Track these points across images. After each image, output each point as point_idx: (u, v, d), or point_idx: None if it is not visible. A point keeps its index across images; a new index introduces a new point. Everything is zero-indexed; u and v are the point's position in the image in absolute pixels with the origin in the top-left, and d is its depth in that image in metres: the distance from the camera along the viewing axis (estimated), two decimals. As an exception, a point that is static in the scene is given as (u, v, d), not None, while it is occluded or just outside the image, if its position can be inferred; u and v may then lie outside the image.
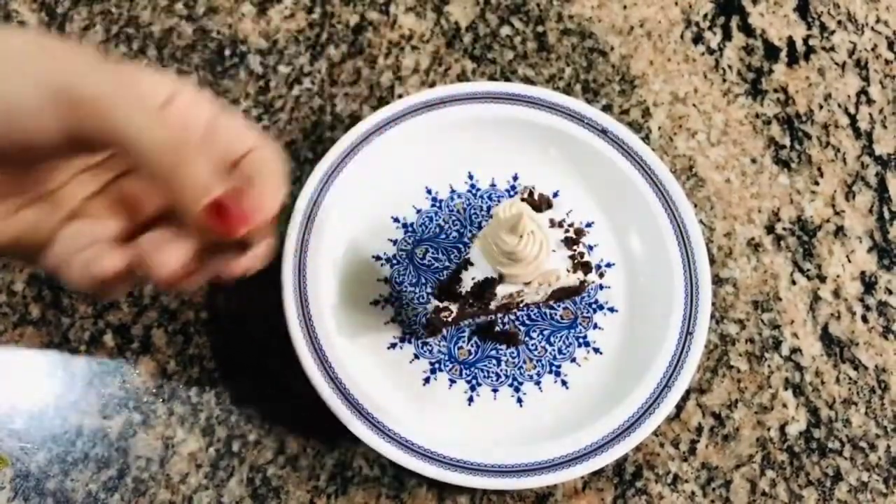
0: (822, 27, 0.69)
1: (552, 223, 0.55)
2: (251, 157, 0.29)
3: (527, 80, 0.65)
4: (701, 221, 0.61)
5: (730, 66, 0.67)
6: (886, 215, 0.63)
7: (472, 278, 0.52)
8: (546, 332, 0.57)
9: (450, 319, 0.54)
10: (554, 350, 0.56)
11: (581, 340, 0.57)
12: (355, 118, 0.63)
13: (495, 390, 0.55)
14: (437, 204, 0.60)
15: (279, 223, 0.35)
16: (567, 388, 0.55)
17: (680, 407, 0.56)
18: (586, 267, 0.54)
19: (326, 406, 0.52)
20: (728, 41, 0.68)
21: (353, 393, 0.52)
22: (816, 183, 0.63)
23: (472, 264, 0.53)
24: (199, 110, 0.29)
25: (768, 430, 0.56)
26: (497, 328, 0.57)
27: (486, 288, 0.52)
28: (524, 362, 0.56)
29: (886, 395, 0.58)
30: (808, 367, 0.58)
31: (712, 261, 0.60)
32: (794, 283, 0.60)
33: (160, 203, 0.29)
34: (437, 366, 0.55)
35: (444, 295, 0.53)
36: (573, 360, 0.56)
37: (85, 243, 0.27)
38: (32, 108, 0.24)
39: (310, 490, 0.53)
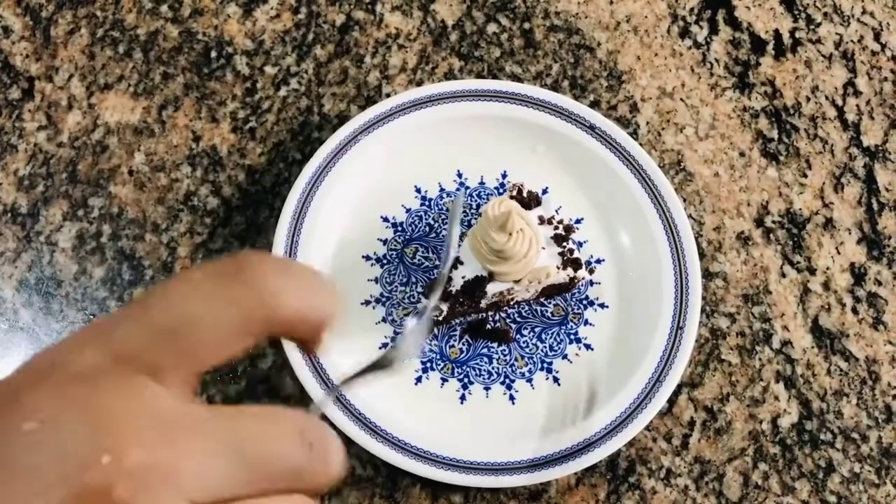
0: (809, 19, 0.69)
1: (541, 220, 0.55)
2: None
3: (514, 78, 0.65)
4: (690, 216, 0.61)
5: (717, 60, 0.67)
6: (875, 206, 0.63)
7: (463, 277, 0.52)
8: (537, 330, 0.57)
9: (440, 318, 0.54)
10: (545, 347, 0.56)
11: (572, 337, 0.57)
12: (343, 118, 0.62)
13: (487, 388, 0.55)
14: (427, 203, 0.60)
15: None
16: (559, 384, 0.55)
17: (672, 401, 0.56)
18: (576, 263, 0.54)
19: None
20: (715, 35, 0.68)
21: (344, 394, 0.52)
22: (805, 175, 0.64)
23: (461, 263, 0.53)
24: None
25: (760, 422, 0.56)
26: (488, 326, 0.57)
27: (476, 286, 0.52)
28: (516, 360, 0.56)
29: (877, 386, 0.58)
30: (800, 360, 0.58)
31: (702, 255, 0.60)
32: (783, 275, 0.60)
33: None
34: (428, 365, 0.55)
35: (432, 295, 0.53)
36: (564, 356, 0.56)
37: None
38: None
39: (303, 491, 0.53)
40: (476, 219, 0.59)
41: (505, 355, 0.56)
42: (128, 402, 0.21)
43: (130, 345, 0.22)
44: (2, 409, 0.21)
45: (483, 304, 0.54)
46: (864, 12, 0.70)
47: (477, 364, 0.55)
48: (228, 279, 0.23)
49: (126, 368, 0.21)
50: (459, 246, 0.54)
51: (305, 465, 0.22)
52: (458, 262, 0.53)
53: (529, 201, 0.55)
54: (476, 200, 0.60)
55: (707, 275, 0.60)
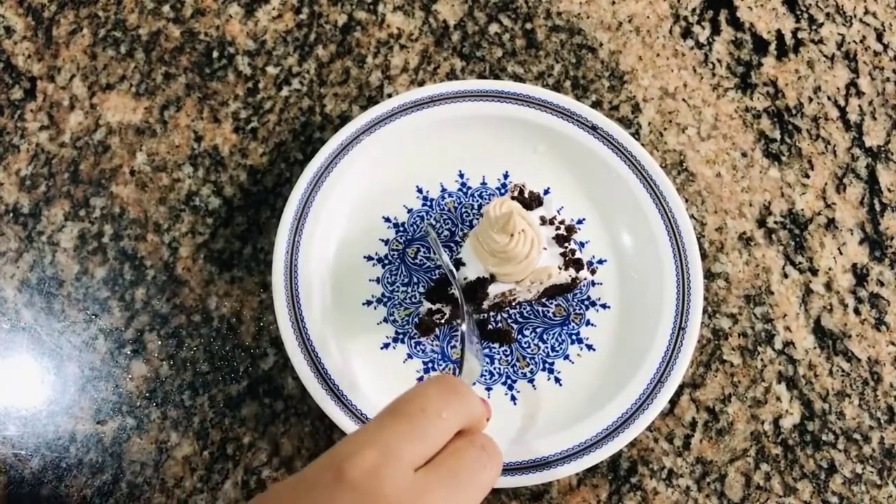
0: (811, 20, 0.69)
1: (543, 221, 0.55)
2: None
3: (516, 78, 0.65)
4: (692, 216, 0.61)
5: (719, 61, 0.67)
6: (877, 207, 0.63)
7: (464, 278, 0.52)
8: (539, 330, 0.57)
9: (443, 321, 0.54)
10: (547, 347, 0.56)
11: (574, 337, 0.57)
12: (345, 118, 0.62)
13: (489, 388, 0.55)
14: (428, 203, 0.60)
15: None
16: (560, 385, 0.55)
17: (673, 402, 0.56)
18: (578, 264, 0.54)
19: (320, 407, 0.52)
20: (717, 35, 0.68)
21: (346, 394, 0.52)
22: (807, 176, 0.64)
23: (463, 264, 0.53)
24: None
25: (762, 423, 0.56)
26: (490, 326, 0.56)
27: (478, 288, 0.52)
28: (517, 360, 0.56)
29: (879, 387, 0.58)
30: (801, 360, 0.58)
31: (704, 255, 0.60)
32: (786, 276, 0.60)
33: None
34: (430, 365, 0.55)
35: (436, 297, 0.53)
36: (566, 357, 0.56)
37: None
38: None
39: (305, 492, 0.53)
40: (478, 219, 0.59)
41: (506, 356, 0.56)
42: (400, 489, 0.34)
43: (397, 445, 0.35)
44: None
45: (485, 305, 0.54)
46: (866, 13, 0.70)
47: (478, 364, 0.55)
48: (454, 395, 0.39)
49: (397, 463, 0.34)
50: (461, 246, 0.54)
51: (488, 462, 0.38)
52: (459, 263, 0.53)
53: (531, 202, 0.55)
54: (478, 201, 0.60)
55: (709, 275, 0.60)
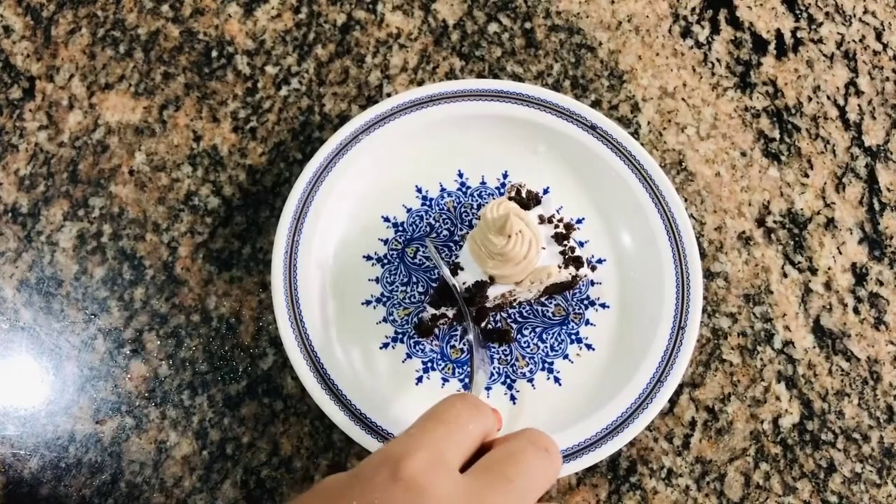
0: (810, 19, 0.69)
1: (541, 220, 0.54)
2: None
3: (515, 77, 0.65)
4: (691, 216, 0.61)
5: (718, 60, 0.67)
6: (877, 206, 0.63)
7: (464, 283, 0.52)
8: (538, 330, 0.57)
9: (446, 325, 0.54)
10: (546, 347, 0.56)
11: (573, 337, 0.57)
12: (344, 118, 0.62)
13: (488, 388, 0.55)
14: (428, 203, 0.60)
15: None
16: (560, 384, 0.55)
17: (673, 401, 0.56)
18: (577, 261, 0.54)
19: (319, 407, 0.51)
20: (716, 35, 0.68)
21: (345, 393, 0.52)
22: (806, 175, 0.64)
23: (462, 268, 0.53)
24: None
25: (761, 423, 0.56)
26: (489, 326, 0.56)
27: (477, 291, 0.52)
28: (517, 360, 0.56)
29: (879, 386, 0.58)
30: (801, 360, 0.58)
31: (703, 255, 0.60)
32: (785, 275, 0.60)
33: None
34: (429, 365, 0.55)
35: (439, 302, 0.53)
36: (566, 356, 0.56)
37: None
38: None
39: (304, 491, 0.53)
40: (477, 219, 0.59)
41: (506, 355, 0.56)
42: (451, 490, 0.35)
43: (445, 448, 0.37)
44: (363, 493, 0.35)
45: (486, 319, 0.54)
46: (865, 12, 0.70)
47: (478, 364, 0.55)
48: (476, 410, 0.40)
49: (446, 465, 0.36)
50: (460, 246, 0.54)
51: (549, 466, 0.39)
52: (458, 267, 0.53)
53: (528, 201, 0.55)
54: (477, 200, 0.60)
55: (708, 275, 0.60)
